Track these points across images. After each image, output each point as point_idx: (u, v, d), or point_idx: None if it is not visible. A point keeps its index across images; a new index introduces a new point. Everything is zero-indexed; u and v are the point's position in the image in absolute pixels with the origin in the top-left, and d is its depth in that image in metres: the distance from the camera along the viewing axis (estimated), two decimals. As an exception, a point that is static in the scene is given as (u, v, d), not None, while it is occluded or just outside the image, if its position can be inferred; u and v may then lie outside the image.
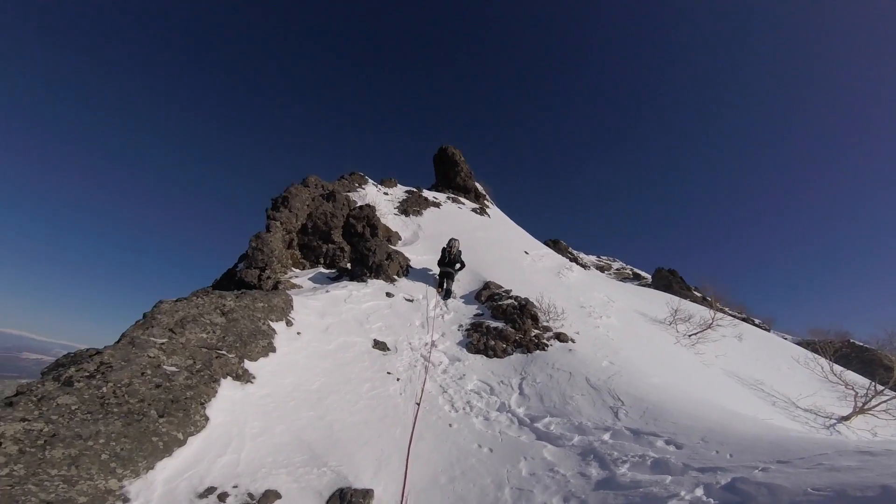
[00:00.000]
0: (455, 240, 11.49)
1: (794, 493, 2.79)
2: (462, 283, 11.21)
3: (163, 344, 4.67)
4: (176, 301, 6.12)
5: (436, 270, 11.48)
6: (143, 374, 3.96)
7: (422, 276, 11.43)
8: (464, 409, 5.99)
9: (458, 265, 11.21)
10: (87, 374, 3.66)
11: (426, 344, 7.99)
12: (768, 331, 23.39)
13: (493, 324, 8.76)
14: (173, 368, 4.31)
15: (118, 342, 4.45)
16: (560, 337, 8.28)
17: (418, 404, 5.87)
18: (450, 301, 10.25)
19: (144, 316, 5.36)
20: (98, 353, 4.08)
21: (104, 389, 3.54)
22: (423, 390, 6.28)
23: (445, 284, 10.79)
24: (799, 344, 17.35)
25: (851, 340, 21.20)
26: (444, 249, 11.26)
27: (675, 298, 15.54)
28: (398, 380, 6.52)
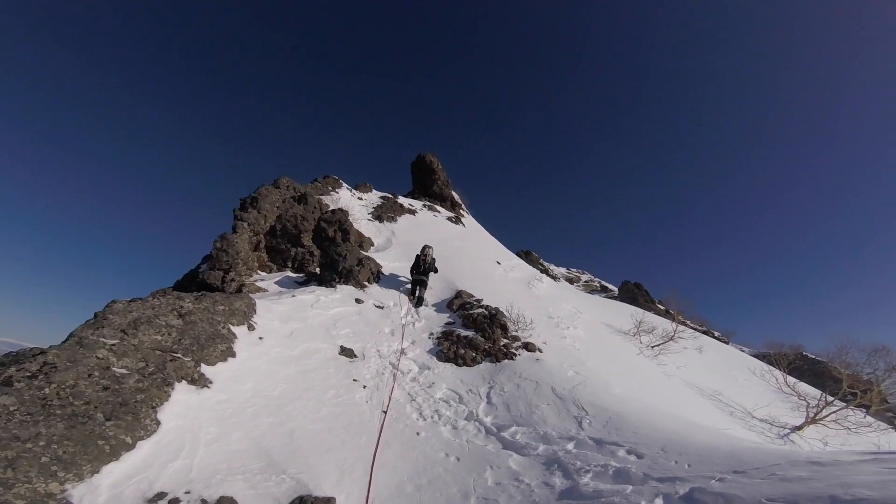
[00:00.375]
0: (429, 247, 11.43)
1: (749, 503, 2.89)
2: (435, 290, 11.16)
3: (113, 345, 4.40)
4: (130, 301, 5.80)
5: (408, 278, 11.39)
6: (90, 375, 3.71)
7: (393, 283, 11.31)
8: (432, 417, 5.92)
9: (431, 273, 11.14)
10: (29, 374, 3.39)
11: (395, 351, 7.88)
12: (727, 343, 24.41)
13: (464, 332, 8.75)
14: (123, 371, 4.05)
15: (65, 342, 4.16)
16: (528, 347, 8.36)
17: (385, 412, 5.76)
18: (421, 309, 10.18)
19: (95, 315, 5.04)
20: (42, 352, 3.79)
21: (46, 391, 3.29)
22: (390, 398, 6.17)
23: (418, 292, 10.71)
24: (756, 356, 18.16)
25: (804, 353, 22.40)
26: (417, 256, 11.20)
27: (640, 311, 16.01)
28: (365, 387, 6.39)
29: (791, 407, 9.80)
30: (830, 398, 9.58)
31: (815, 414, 9.19)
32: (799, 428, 8.87)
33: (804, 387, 12.13)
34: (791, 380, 11.24)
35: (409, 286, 11.15)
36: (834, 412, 9.27)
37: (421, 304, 10.44)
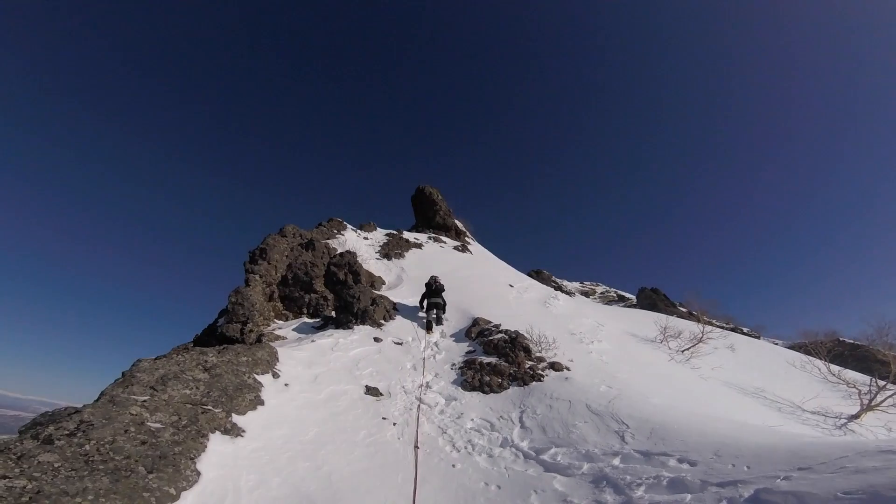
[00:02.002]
0: (434, 276, 11.85)
1: (825, 499, 2.71)
2: (451, 321, 11.11)
3: (145, 401, 4.38)
4: (155, 359, 5.83)
5: (423, 311, 11.47)
6: (126, 431, 3.67)
7: (409, 318, 11.27)
8: (465, 448, 5.75)
9: (443, 299, 11.42)
10: (68, 432, 3.36)
11: (420, 386, 7.76)
12: (759, 338, 23.71)
13: (486, 359, 8.63)
14: (158, 425, 4.01)
15: (97, 400, 4.15)
16: (555, 366, 8.20)
17: (417, 447, 5.61)
18: (441, 340, 10.09)
19: (123, 374, 5.06)
20: (77, 411, 3.78)
21: (87, 447, 3.25)
22: (417, 432, 6.02)
23: (435, 313, 11.03)
24: (791, 348, 17.55)
25: (842, 339, 21.59)
26: (426, 285, 11.57)
27: (663, 316, 15.71)
28: (395, 424, 6.25)
29: (841, 396, 9.37)
30: (882, 382, 9.11)
31: (870, 400, 8.76)
32: (856, 416, 8.45)
33: (850, 373, 11.59)
34: (835, 368, 10.78)
35: (423, 319, 11.17)
36: (890, 396, 8.83)
37: (441, 323, 10.83)
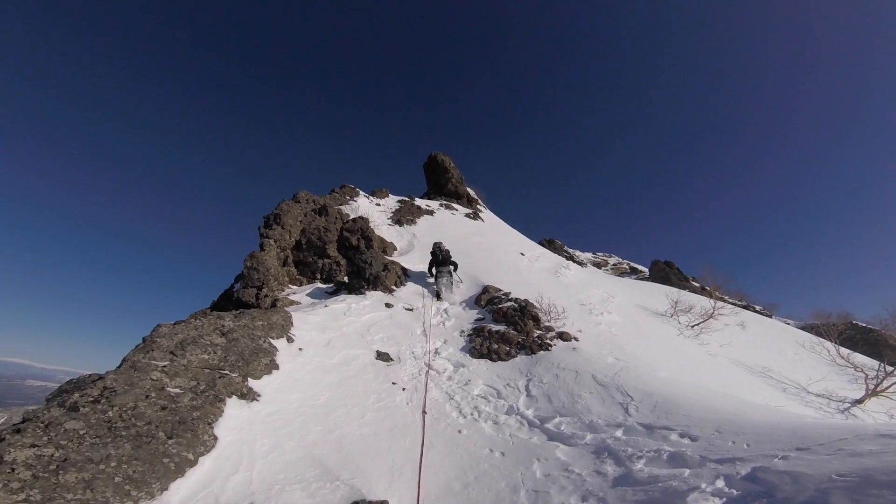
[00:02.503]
0: (438, 242, 11.91)
1: (819, 480, 2.76)
2: (461, 288, 11.19)
3: (165, 366, 4.59)
4: (174, 324, 6.04)
5: (430, 277, 11.64)
6: (147, 396, 3.88)
7: (420, 284, 11.38)
8: (472, 414, 5.93)
9: (452, 264, 11.49)
10: (92, 399, 3.57)
11: (429, 352, 7.94)
12: (771, 317, 23.52)
13: (495, 327, 8.72)
14: (177, 390, 4.22)
15: (120, 367, 4.36)
16: (563, 336, 8.27)
17: (425, 413, 5.81)
18: (450, 307, 10.21)
19: (144, 340, 5.27)
20: (101, 377, 3.99)
21: (110, 413, 3.46)
22: (425, 398, 6.22)
23: (446, 279, 11.10)
24: (802, 328, 17.41)
25: (855, 322, 21.28)
26: (432, 254, 11.65)
27: (675, 290, 15.64)
28: (404, 389, 6.46)
29: (848, 379, 9.34)
30: (890, 368, 9.05)
31: (876, 385, 8.72)
32: (860, 401, 8.44)
33: (860, 357, 11.52)
34: (844, 351, 10.71)
35: (433, 286, 11.30)
36: None
37: (451, 290, 10.93)
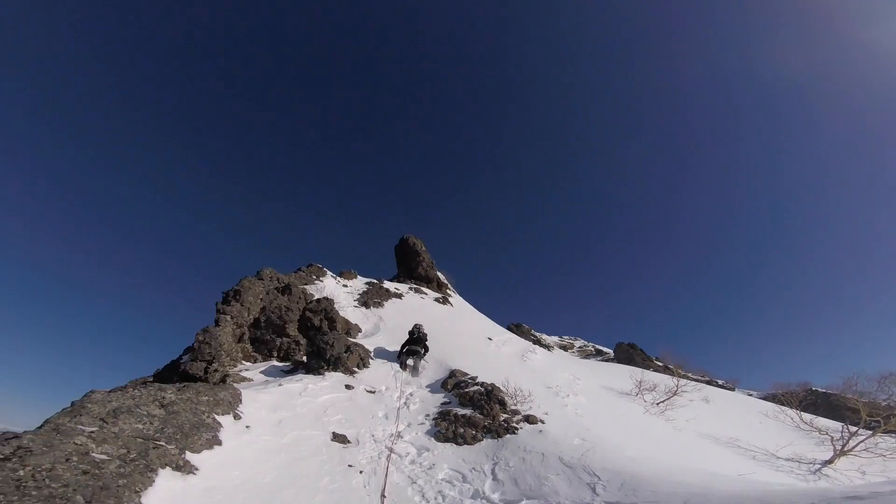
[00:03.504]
0: (419, 324, 12.05)
1: None
2: (428, 372, 10.90)
3: (92, 432, 4.11)
4: (110, 392, 5.52)
5: (400, 355, 11.59)
6: (67, 460, 3.41)
7: (384, 367, 10.98)
8: (436, 499, 5.48)
9: (424, 346, 11.53)
10: (2, 456, 3.10)
11: (391, 435, 7.44)
12: (733, 390, 23.66)
13: (461, 411, 8.40)
14: (104, 456, 3.74)
15: (40, 427, 3.87)
16: (529, 419, 8.03)
17: (384, 496, 5.29)
18: (417, 390, 9.82)
19: (73, 404, 4.75)
20: (16, 436, 3.51)
21: (21, 472, 3.00)
22: (385, 478, 5.71)
23: (412, 361, 11.09)
24: (764, 398, 17.72)
25: (814, 388, 21.75)
26: (410, 332, 11.78)
27: (638, 370, 15.79)
28: (361, 472, 5.93)
29: (815, 443, 9.49)
30: (854, 428, 9.30)
31: (843, 446, 8.89)
32: (829, 462, 8.51)
33: (823, 421, 11.80)
34: (807, 416, 11.02)
35: (401, 362, 11.25)
36: (862, 440, 8.98)
37: (416, 373, 10.80)
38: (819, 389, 22.15)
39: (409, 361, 11.20)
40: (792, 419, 10.83)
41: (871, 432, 9.34)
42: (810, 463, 8.51)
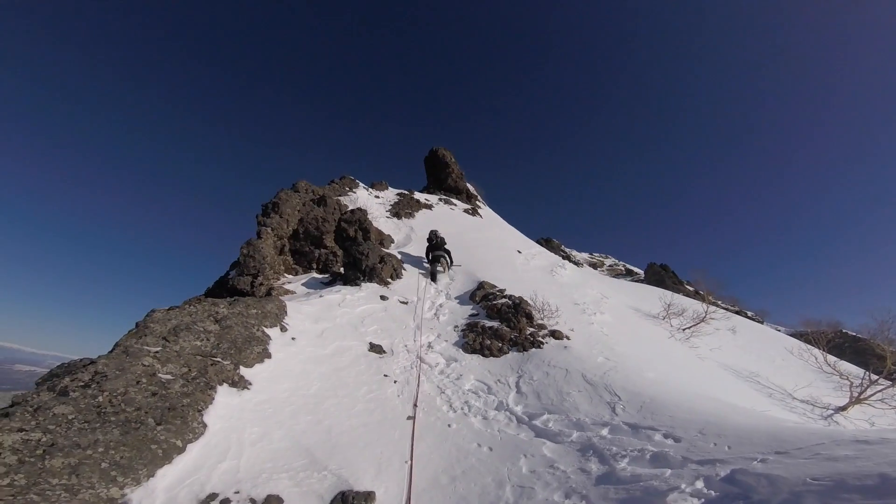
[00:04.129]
0: (434, 230, 12.96)
1: (794, 484, 2.83)
2: (456, 283, 11.27)
3: (157, 352, 4.62)
4: (168, 310, 6.05)
5: (427, 261, 12.62)
6: (138, 382, 3.91)
7: (416, 278, 11.43)
8: (462, 409, 5.99)
9: (445, 250, 12.41)
10: (82, 383, 3.60)
11: (422, 345, 7.99)
12: (762, 323, 23.72)
13: (489, 323, 8.77)
14: (169, 376, 4.26)
15: (112, 352, 4.39)
16: (555, 334, 8.33)
17: (416, 406, 5.86)
18: (445, 301, 10.28)
19: (137, 325, 5.29)
20: (92, 362, 4.02)
21: (100, 399, 3.50)
22: (418, 392, 6.27)
23: (441, 267, 12.05)
24: (792, 335, 17.56)
25: (844, 330, 21.52)
26: (428, 240, 12.72)
27: (668, 293, 15.72)
28: (395, 382, 6.50)
29: (833, 387, 9.45)
30: (875, 376, 9.13)
31: (860, 393, 8.81)
32: (843, 408, 8.54)
33: (846, 365, 11.65)
34: (831, 358, 10.79)
35: (429, 270, 12.03)
36: (880, 391, 8.86)
37: (446, 272, 12.01)
38: (849, 332, 21.50)
39: (439, 268, 12.05)
40: (816, 359, 10.61)
41: (890, 383, 9.09)
42: (824, 407, 8.54)
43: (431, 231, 12.97)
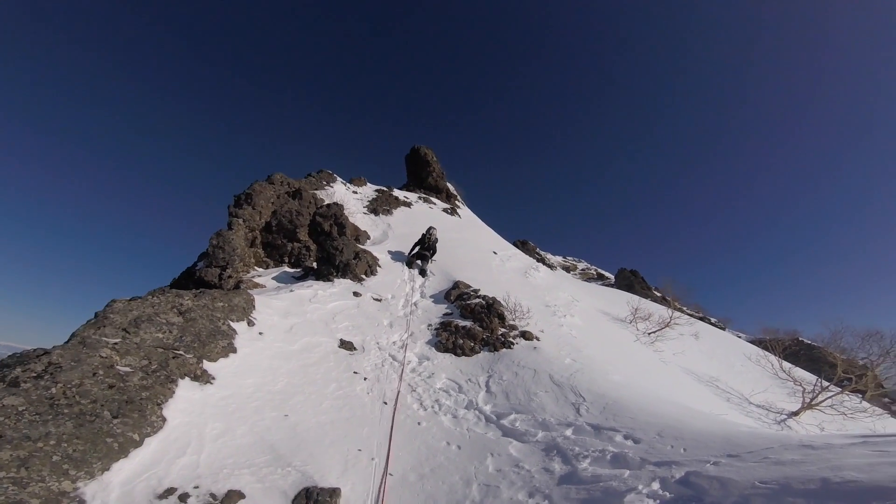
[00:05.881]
0: (433, 228, 12.85)
1: (743, 487, 2.99)
2: (432, 282, 11.26)
3: (116, 344, 4.43)
4: (130, 300, 5.81)
5: (404, 262, 12.54)
6: (94, 374, 3.74)
7: (391, 275, 11.36)
8: (432, 407, 6.02)
9: (433, 251, 12.48)
10: (35, 374, 3.42)
11: (394, 343, 7.96)
12: (724, 330, 24.69)
13: (462, 323, 8.82)
14: (127, 369, 4.09)
15: (68, 342, 4.19)
16: (525, 335, 8.46)
17: (390, 404, 5.84)
18: (420, 300, 10.26)
19: (96, 315, 5.07)
20: (46, 353, 3.82)
21: (53, 390, 3.33)
22: (398, 391, 6.25)
23: (421, 263, 12.17)
24: (752, 342, 18.35)
25: (800, 338, 22.66)
26: (423, 235, 12.60)
27: (636, 298, 16.16)
28: (365, 379, 6.46)
29: (787, 392, 9.96)
30: (826, 383, 9.66)
31: (811, 399, 9.29)
32: (795, 413, 8.99)
33: (800, 372, 12.26)
34: (787, 365, 11.36)
35: (408, 263, 12.29)
36: (830, 397, 9.36)
37: (424, 275, 11.75)
38: (805, 340, 22.74)
39: (419, 262, 12.28)
40: (772, 366, 11.18)
41: (840, 389, 9.63)
42: (778, 412, 9.00)
43: (430, 227, 12.92)
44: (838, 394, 9.51)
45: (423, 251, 12.42)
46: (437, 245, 12.65)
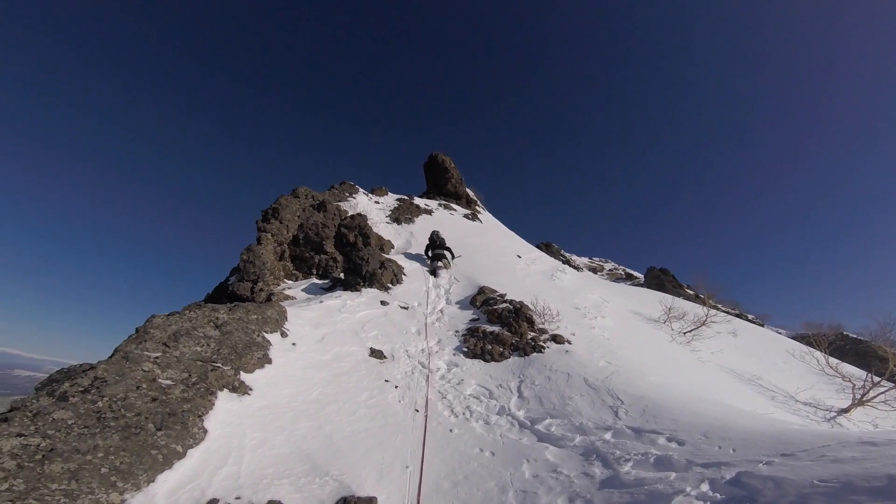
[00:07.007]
0: (436, 230, 13.36)
1: (801, 486, 2.81)
2: (457, 288, 11.24)
3: (157, 358, 4.59)
4: (168, 315, 6.03)
5: (427, 258, 13.21)
6: (138, 387, 3.88)
7: (416, 283, 11.41)
8: (463, 413, 5.96)
9: (447, 249, 12.96)
10: (82, 388, 3.57)
11: (423, 350, 7.96)
12: (762, 326, 23.65)
13: (490, 328, 8.76)
14: (169, 382, 4.23)
15: (111, 357, 4.36)
16: (556, 339, 8.31)
17: (418, 411, 5.83)
18: (446, 307, 10.26)
19: (137, 331, 5.27)
20: (92, 367, 3.99)
21: (100, 404, 3.47)
22: (427, 399, 6.23)
23: (442, 263, 12.66)
24: (793, 338, 17.48)
25: (845, 333, 21.45)
26: (431, 239, 13.15)
27: (668, 297, 15.67)
28: (396, 387, 6.47)
29: (835, 389, 9.40)
30: (877, 378, 9.10)
31: (863, 395, 8.76)
32: (846, 410, 8.49)
33: (848, 367, 11.59)
34: (833, 361, 10.74)
35: (429, 267, 12.65)
36: (882, 393, 8.80)
37: (448, 268, 12.54)
38: (850, 334, 21.47)
39: (440, 264, 12.64)
40: (818, 362, 10.55)
41: (893, 384, 9.03)
42: (827, 409, 8.49)
43: (433, 231, 13.40)
44: (891, 389, 8.94)
45: (438, 251, 12.83)
46: (445, 244, 13.06)
